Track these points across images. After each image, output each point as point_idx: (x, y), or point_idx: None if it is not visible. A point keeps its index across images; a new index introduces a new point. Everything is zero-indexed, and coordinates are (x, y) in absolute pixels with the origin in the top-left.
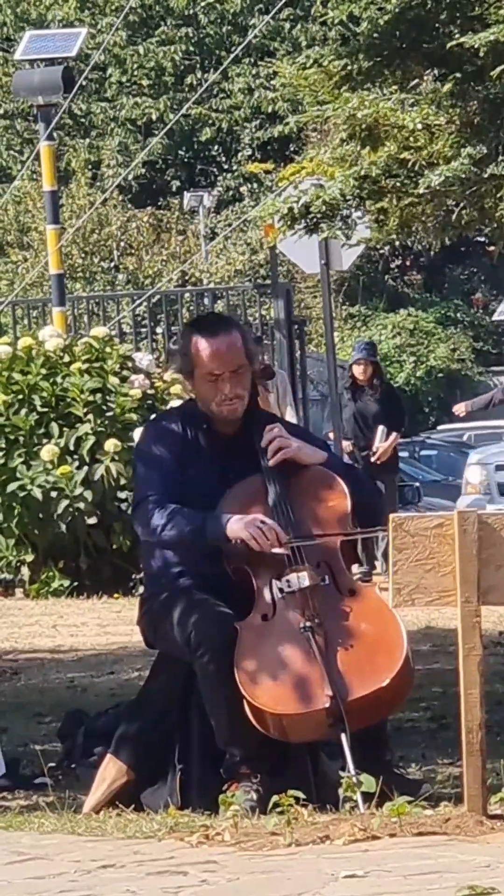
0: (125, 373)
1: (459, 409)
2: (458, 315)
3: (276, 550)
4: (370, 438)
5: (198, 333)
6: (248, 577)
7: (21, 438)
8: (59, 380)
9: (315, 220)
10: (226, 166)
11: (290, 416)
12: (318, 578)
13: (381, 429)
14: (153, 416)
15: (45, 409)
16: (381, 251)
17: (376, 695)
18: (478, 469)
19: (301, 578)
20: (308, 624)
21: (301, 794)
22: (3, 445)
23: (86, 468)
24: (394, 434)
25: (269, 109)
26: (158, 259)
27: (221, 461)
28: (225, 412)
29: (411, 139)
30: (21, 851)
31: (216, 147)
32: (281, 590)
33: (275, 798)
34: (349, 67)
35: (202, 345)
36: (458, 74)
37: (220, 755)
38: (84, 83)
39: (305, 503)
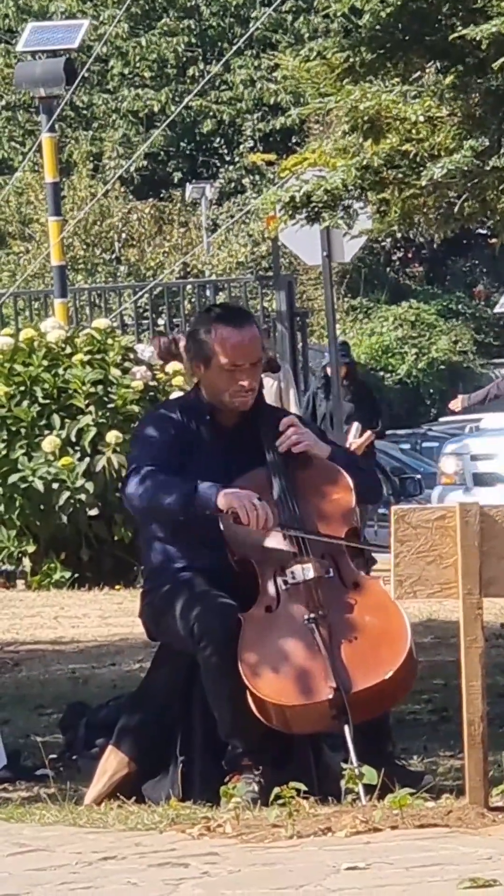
0: (127, 364)
1: (455, 404)
2: (460, 307)
3: (266, 535)
4: (344, 437)
5: (221, 323)
6: (252, 569)
7: (23, 430)
8: (60, 371)
9: (316, 209)
10: (228, 158)
11: (294, 410)
12: (323, 571)
13: (355, 425)
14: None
15: (47, 401)
16: (383, 243)
17: (379, 687)
18: (453, 459)
19: (305, 570)
20: (312, 616)
21: (303, 786)
22: (5, 437)
23: (87, 460)
24: (368, 432)
25: (272, 101)
26: (160, 251)
27: (224, 453)
28: (237, 403)
29: (413, 131)
30: (22, 843)
31: (218, 139)
32: (285, 582)
33: (276, 790)
34: (351, 59)
35: (226, 335)
36: (460, 67)
37: (222, 747)
38: (86, 75)
39: (310, 497)
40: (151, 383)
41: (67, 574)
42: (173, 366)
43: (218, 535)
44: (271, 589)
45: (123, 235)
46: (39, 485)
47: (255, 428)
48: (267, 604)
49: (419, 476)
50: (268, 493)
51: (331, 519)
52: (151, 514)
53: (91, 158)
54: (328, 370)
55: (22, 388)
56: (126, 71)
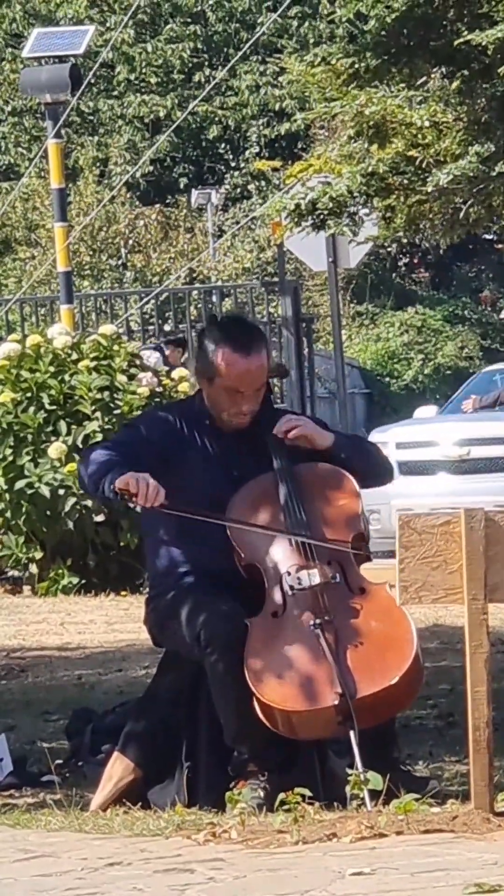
0: (133, 371)
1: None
2: (466, 313)
3: (269, 539)
4: None
5: (229, 346)
6: (259, 574)
7: (29, 436)
8: (67, 377)
9: (322, 216)
10: (233, 164)
11: None
12: (329, 576)
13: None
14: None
15: (53, 407)
16: (389, 249)
17: (385, 693)
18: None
19: (312, 576)
20: (318, 621)
21: (308, 792)
22: (12, 443)
23: None
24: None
25: (277, 107)
26: (166, 257)
27: (227, 458)
28: (234, 423)
29: (419, 137)
30: (28, 849)
31: (224, 144)
32: (291, 587)
33: (282, 795)
34: (357, 65)
35: (231, 360)
36: (465, 72)
37: (228, 753)
38: (92, 81)
39: (316, 502)
40: (157, 389)
41: (74, 580)
42: (179, 372)
43: (225, 539)
44: (277, 594)
45: (129, 241)
46: (46, 491)
47: (259, 433)
48: (273, 609)
49: None
50: (274, 499)
51: (337, 524)
52: (90, 493)
53: (97, 164)
54: None
55: (28, 395)
56: (132, 77)
